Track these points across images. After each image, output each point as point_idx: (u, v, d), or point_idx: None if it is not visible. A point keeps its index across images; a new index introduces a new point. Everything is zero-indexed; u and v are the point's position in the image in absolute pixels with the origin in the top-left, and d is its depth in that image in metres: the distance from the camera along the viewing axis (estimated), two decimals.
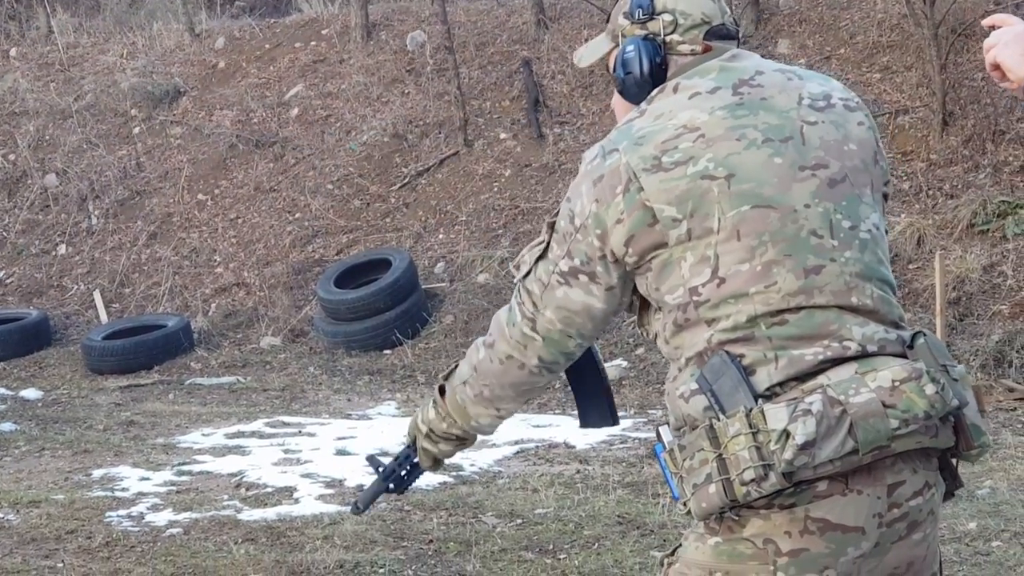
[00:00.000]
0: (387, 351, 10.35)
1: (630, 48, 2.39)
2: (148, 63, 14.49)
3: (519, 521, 5.98)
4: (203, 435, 8.23)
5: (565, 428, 7.83)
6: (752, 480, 2.14)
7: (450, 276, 11.05)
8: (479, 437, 2.70)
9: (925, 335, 2.27)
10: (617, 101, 2.46)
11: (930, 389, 2.18)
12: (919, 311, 9.03)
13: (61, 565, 5.60)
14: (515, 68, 12.76)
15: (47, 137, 13.91)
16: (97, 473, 7.29)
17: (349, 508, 2.93)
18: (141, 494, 6.80)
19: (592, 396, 2.69)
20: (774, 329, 2.22)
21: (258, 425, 8.44)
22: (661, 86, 2.36)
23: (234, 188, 12.75)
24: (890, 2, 11.67)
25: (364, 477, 6.54)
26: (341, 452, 7.55)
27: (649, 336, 2.41)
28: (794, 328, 2.23)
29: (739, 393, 2.19)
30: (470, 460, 7.07)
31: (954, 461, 2.31)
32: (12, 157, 13.78)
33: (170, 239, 12.45)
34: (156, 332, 10.82)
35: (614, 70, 2.43)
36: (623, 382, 9.02)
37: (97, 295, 12.00)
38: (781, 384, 2.20)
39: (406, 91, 13.02)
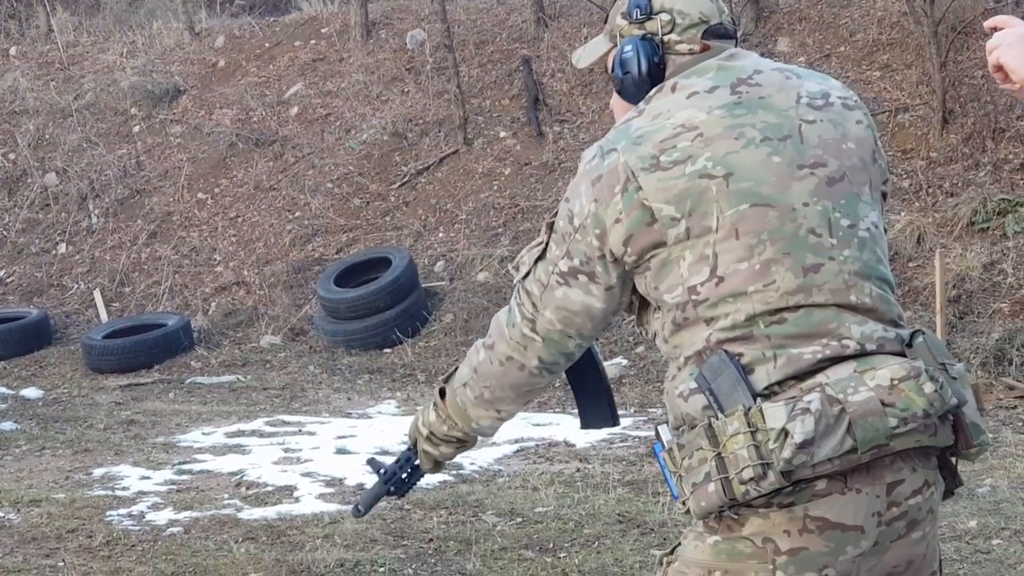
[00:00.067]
0: (387, 350, 10.34)
1: (628, 48, 2.39)
2: (148, 62, 14.49)
3: (519, 520, 5.98)
4: (203, 434, 8.24)
5: (565, 427, 7.82)
6: (751, 479, 2.14)
7: (450, 275, 11.05)
8: (479, 438, 2.71)
9: (924, 333, 2.27)
10: (616, 101, 2.47)
11: (929, 388, 2.18)
12: (919, 309, 9.03)
13: (62, 564, 5.60)
14: (515, 66, 12.76)
15: (47, 136, 13.90)
16: (98, 472, 7.29)
17: (350, 510, 2.94)
18: (141, 493, 6.80)
19: (592, 396, 2.69)
20: (773, 328, 2.23)
21: (258, 424, 8.44)
22: (659, 86, 2.36)
23: (234, 187, 12.75)
24: (890, 0, 11.67)
25: (364, 476, 6.54)
26: (341, 451, 7.55)
27: (648, 335, 2.41)
28: (793, 327, 2.23)
29: (738, 392, 2.19)
30: (470, 459, 7.07)
31: (953, 459, 2.31)
32: (12, 156, 13.78)
33: (170, 238, 12.45)
34: (156, 331, 10.82)
35: (612, 70, 2.43)
36: (623, 381, 9.02)
37: (97, 294, 12.00)
38: (780, 383, 2.20)
39: (406, 89, 13.02)
